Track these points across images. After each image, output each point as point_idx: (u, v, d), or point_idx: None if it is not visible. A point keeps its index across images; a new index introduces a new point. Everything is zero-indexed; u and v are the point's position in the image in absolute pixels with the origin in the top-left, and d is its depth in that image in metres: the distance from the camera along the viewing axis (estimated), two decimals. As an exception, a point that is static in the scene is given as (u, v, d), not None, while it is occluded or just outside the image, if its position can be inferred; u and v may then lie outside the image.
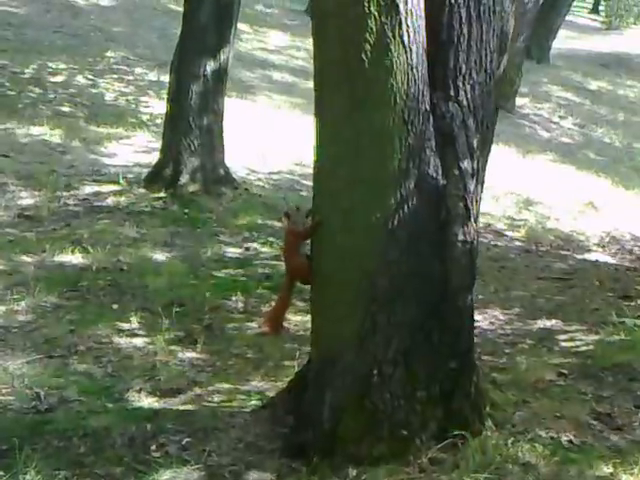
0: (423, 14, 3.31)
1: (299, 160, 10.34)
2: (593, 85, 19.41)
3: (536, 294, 6.79)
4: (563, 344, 5.43)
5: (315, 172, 3.64)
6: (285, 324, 5.55)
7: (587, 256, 8.57)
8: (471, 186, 3.48)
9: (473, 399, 3.60)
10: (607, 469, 3.45)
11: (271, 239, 7.64)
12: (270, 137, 10.82)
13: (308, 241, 3.74)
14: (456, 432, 3.46)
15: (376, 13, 3.17)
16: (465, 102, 3.45)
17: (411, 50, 3.26)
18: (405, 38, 3.23)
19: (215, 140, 8.82)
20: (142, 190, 8.58)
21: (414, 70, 3.28)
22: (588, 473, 3.37)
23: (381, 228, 3.42)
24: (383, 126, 3.32)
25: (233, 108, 9.30)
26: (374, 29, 3.18)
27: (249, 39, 16.38)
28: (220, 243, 7.51)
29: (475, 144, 3.48)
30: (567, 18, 21.10)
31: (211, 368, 5.03)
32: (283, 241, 3.94)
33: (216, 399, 4.58)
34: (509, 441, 3.49)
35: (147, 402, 4.49)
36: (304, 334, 5.49)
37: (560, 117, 16.57)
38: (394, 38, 3.20)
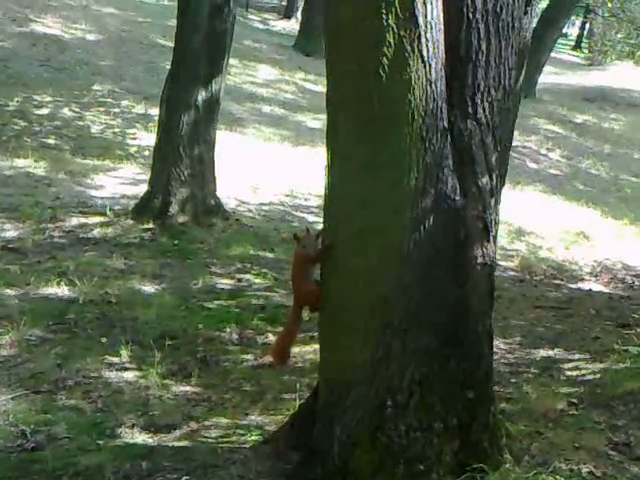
0: (442, 27, 3.16)
1: (289, 191, 10.30)
2: (579, 118, 19.55)
3: (535, 323, 6.72)
4: (568, 373, 5.34)
5: (326, 192, 3.46)
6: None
7: (581, 285, 8.61)
8: (490, 206, 3.31)
9: (491, 430, 3.39)
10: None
11: (264, 270, 7.51)
12: (260, 169, 10.73)
13: (318, 265, 3.54)
14: (475, 465, 3.25)
15: (394, 26, 3.01)
16: (484, 120, 3.29)
17: (430, 65, 3.10)
18: (424, 52, 3.07)
19: (206, 170, 8.69)
20: (130, 221, 8.42)
21: (433, 86, 3.12)
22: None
23: (396, 250, 3.24)
24: (400, 144, 3.15)
25: (223, 140, 9.21)
26: (392, 42, 3.02)
27: (238, 73, 16.33)
28: (211, 274, 7.34)
29: (493, 163, 3.32)
30: (551, 54, 21.32)
31: (207, 402, 4.81)
32: (292, 265, 3.73)
33: (213, 434, 4.36)
34: (530, 474, 3.29)
35: (141, 438, 4.26)
36: (303, 366, 5.31)
37: (548, 149, 16.64)
38: (413, 52, 3.05)
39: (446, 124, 3.21)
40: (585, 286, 8.53)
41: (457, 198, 3.24)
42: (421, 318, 3.25)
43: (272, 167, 10.96)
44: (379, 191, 3.22)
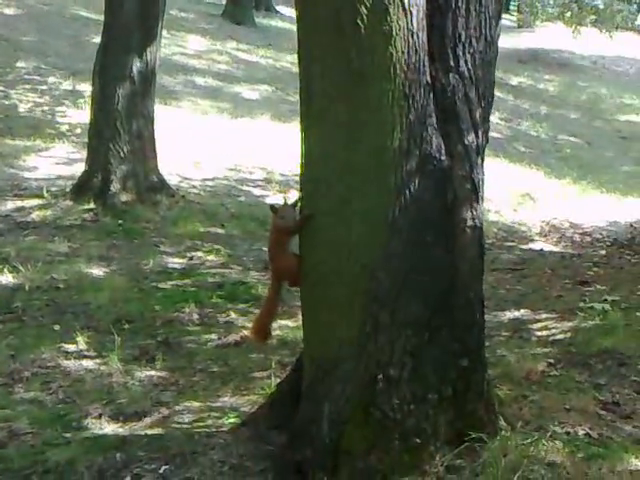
0: None
1: (233, 165, 10.05)
2: (514, 80, 19.59)
3: (495, 285, 6.69)
4: (539, 333, 5.32)
5: (303, 158, 3.24)
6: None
7: (532, 246, 8.66)
8: (477, 164, 3.16)
9: (486, 398, 3.28)
10: (637, 462, 3.19)
11: (216, 247, 7.31)
12: (200, 143, 10.43)
13: (296, 237, 3.36)
14: (472, 435, 3.14)
15: (373, -31, 2.79)
16: (466, 73, 3.11)
17: (412, 14, 2.90)
18: (405, 0, 2.87)
19: (146, 146, 8.36)
20: (69, 203, 8.08)
21: (415, 37, 2.92)
22: (619, 468, 3.11)
23: (380, 217, 3.06)
24: (381, 101, 2.95)
25: (158, 115, 8.87)
26: (371, -12, 2.79)
27: (167, 44, 15.74)
28: (161, 254, 7.11)
29: (478, 119, 3.16)
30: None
31: (175, 386, 4.61)
32: (269, 239, 3.52)
33: (187, 419, 4.17)
34: (529, 440, 3.19)
35: (111, 429, 4.03)
36: (270, 342, 5.12)
37: (486, 112, 16.56)
38: (393, 0, 2.85)
39: (429, 79, 3.03)
40: (536, 246, 8.57)
41: (443, 158, 3.08)
42: (409, 288, 3.09)
43: (212, 141, 10.66)
44: (360, 154, 3.03)
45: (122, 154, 8.15)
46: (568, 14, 20.13)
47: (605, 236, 9.12)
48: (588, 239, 9.10)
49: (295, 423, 3.36)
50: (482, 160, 3.21)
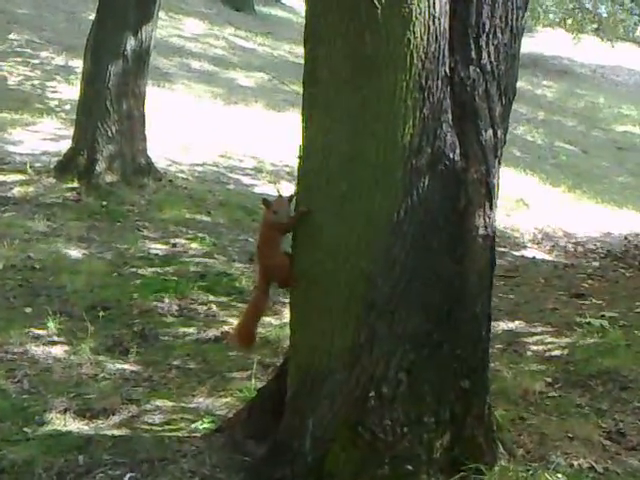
0: None
1: (224, 152, 9.82)
2: (512, 85, 19.37)
3: (487, 293, 6.40)
4: (534, 347, 5.09)
5: (304, 149, 2.96)
6: (232, 331, 4.96)
7: (524, 252, 8.48)
8: (493, 167, 2.89)
9: (486, 423, 3.01)
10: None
11: (201, 235, 7.06)
12: (192, 127, 10.17)
13: (289, 235, 3.07)
14: (469, 464, 2.87)
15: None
16: (488, 66, 2.83)
17: (434, -5, 2.63)
18: (428, -20, 2.60)
19: (136, 126, 8.09)
20: (52, 180, 7.82)
21: (436, 22, 2.65)
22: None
23: (384, 218, 2.79)
24: (394, 92, 2.67)
25: (150, 96, 8.61)
26: (389, -33, 2.52)
27: (164, 25, 15.46)
28: (144, 239, 6.86)
29: (498, 118, 2.89)
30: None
31: (147, 382, 4.33)
32: (260, 234, 3.22)
33: (157, 420, 3.88)
34: (529, 473, 2.93)
35: (75, 426, 3.74)
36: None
37: (483, 115, 16.36)
38: None
39: (448, 70, 2.75)
40: (529, 254, 8.39)
41: (457, 158, 2.80)
42: (411, 297, 2.82)
43: (204, 126, 10.40)
44: (367, 148, 2.76)
45: (110, 133, 7.91)
46: (570, 21, 19.87)
47: (599, 247, 9.03)
48: (581, 249, 8.99)
49: (276, 436, 3.08)
50: (499, 163, 2.93)
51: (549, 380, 4.30)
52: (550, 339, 5.22)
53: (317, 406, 2.92)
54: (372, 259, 2.82)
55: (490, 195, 2.89)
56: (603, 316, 5.69)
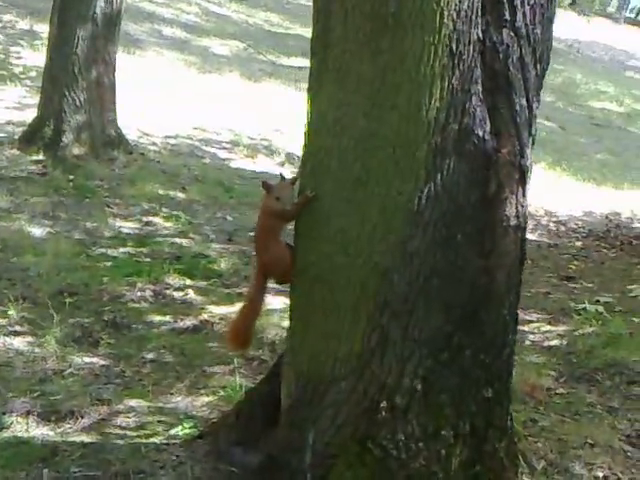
0: None
1: (198, 124, 9.45)
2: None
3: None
4: (532, 337, 4.82)
5: (309, 126, 2.56)
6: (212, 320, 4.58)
7: None
8: (527, 148, 2.51)
9: (508, 437, 2.66)
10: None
11: (175, 212, 6.71)
12: (164, 97, 9.77)
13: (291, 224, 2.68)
14: (491, 482, 2.53)
15: None
16: (523, 30, 2.42)
17: (467, -60, 2.23)
18: None
19: (105, 95, 7.73)
20: (16, 152, 7.48)
21: (470, -27, 2.26)
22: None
23: (403, 206, 2.41)
24: (421, 58, 2.29)
25: (120, 63, 8.17)
26: None
27: (134, -11, 15.02)
28: (114, 216, 6.50)
29: (533, 90, 2.51)
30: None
31: (120, 379, 3.92)
32: (258, 223, 2.81)
33: (132, 424, 3.49)
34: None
35: (39, 431, 3.33)
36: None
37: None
38: None
39: (480, 34, 2.36)
40: (511, 233, 8.20)
41: (487, 137, 2.42)
42: (430, 296, 2.45)
43: (177, 96, 10.01)
44: (385, 124, 2.37)
45: (78, 102, 7.55)
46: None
47: (580, 226, 8.87)
48: (563, 229, 8.86)
49: (270, 449, 2.71)
50: (533, 142, 2.55)
51: (553, 374, 4.02)
52: (547, 327, 4.97)
53: (319, 418, 2.55)
54: (387, 252, 2.44)
55: (524, 179, 2.51)
56: (598, 301, 5.55)
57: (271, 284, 2.83)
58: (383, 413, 2.47)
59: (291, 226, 2.74)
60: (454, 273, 2.46)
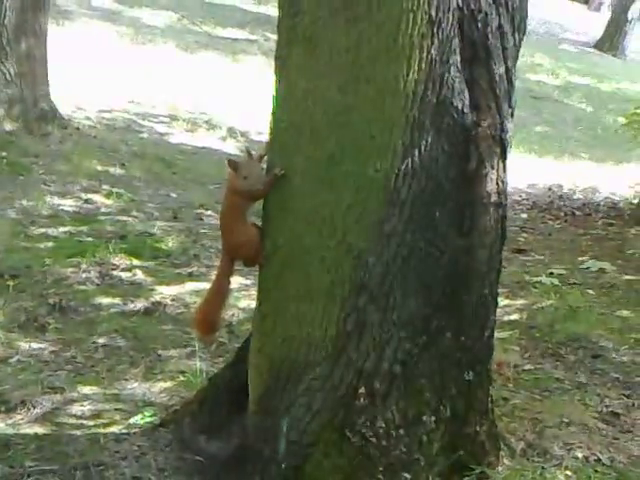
0: None
1: (133, 97, 9.13)
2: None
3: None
4: (490, 310, 4.74)
5: (277, 99, 2.43)
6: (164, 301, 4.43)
7: None
8: (508, 122, 2.43)
9: (489, 419, 2.61)
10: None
11: (116, 190, 6.45)
12: (97, 70, 9.42)
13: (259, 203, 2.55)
14: (473, 466, 2.47)
15: None
16: None
17: None
18: None
19: (37, 68, 7.44)
20: (-58, 128, 7.08)
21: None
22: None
23: (378, 183, 2.32)
24: (398, 26, 2.17)
25: (49, 35, 7.80)
26: None
27: (58, -44, 14.40)
28: (52, 194, 6.24)
29: (511, 60, 2.43)
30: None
31: (71, 365, 3.76)
32: (224, 203, 2.67)
33: (87, 412, 3.35)
34: (538, 473, 2.57)
35: (-11, 424, 3.17)
36: (185, 311, 4.34)
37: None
38: None
39: (460, 1, 2.26)
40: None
41: (466, 110, 2.33)
42: (408, 278, 2.36)
43: (110, 69, 9.66)
44: (360, 97, 2.26)
45: (8, 76, 7.27)
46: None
47: (524, 198, 8.91)
48: (508, 200, 8.85)
49: (242, 437, 2.61)
50: (512, 115, 2.47)
51: (517, 349, 3.99)
52: (506, 301, 4.90)
53: (293, 405, 2.46)
54: (363, 233, 2.35)
55: (504, 154, 2.44)
56: (552, 274, 5.52)
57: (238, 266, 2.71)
58: (361, 399, 2.39)
59: (259, 204, 2.62)
60: (433, 253, 2.37)
